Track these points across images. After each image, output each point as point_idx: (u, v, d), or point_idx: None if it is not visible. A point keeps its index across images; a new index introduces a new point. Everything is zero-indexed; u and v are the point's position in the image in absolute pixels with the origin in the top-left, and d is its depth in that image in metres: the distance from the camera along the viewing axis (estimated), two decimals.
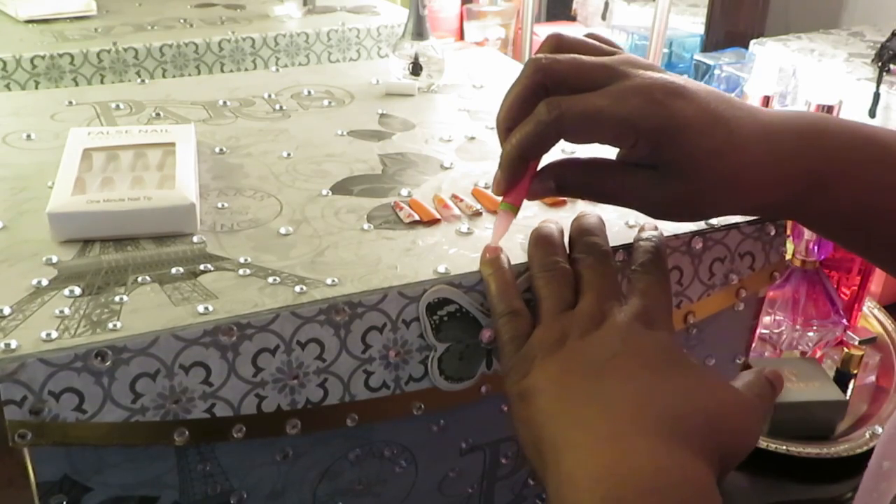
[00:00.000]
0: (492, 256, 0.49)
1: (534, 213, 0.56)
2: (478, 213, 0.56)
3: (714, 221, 0.56)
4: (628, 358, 0.43)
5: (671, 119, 0.45)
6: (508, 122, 0.47)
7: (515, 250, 0.51)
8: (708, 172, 0.46)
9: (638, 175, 0.48)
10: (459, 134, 0.69)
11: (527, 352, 0.45)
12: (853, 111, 1.13)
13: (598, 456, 0.39)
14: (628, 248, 0.52)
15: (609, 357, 0.43)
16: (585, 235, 0.50)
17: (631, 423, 0.40)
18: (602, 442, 0.39)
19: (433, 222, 0.55)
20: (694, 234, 0.55)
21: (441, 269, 0.49)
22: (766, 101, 0.97)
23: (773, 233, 0.57)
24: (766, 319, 0.87)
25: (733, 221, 0.56)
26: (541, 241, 0.50)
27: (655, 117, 0.45)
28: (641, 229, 0.52)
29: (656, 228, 0.52)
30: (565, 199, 0.58)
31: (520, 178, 0.48)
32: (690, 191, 0.47)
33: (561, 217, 0.55)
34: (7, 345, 0.41)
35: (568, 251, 0.50)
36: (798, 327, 0.86)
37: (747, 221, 0.56)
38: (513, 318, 0.47)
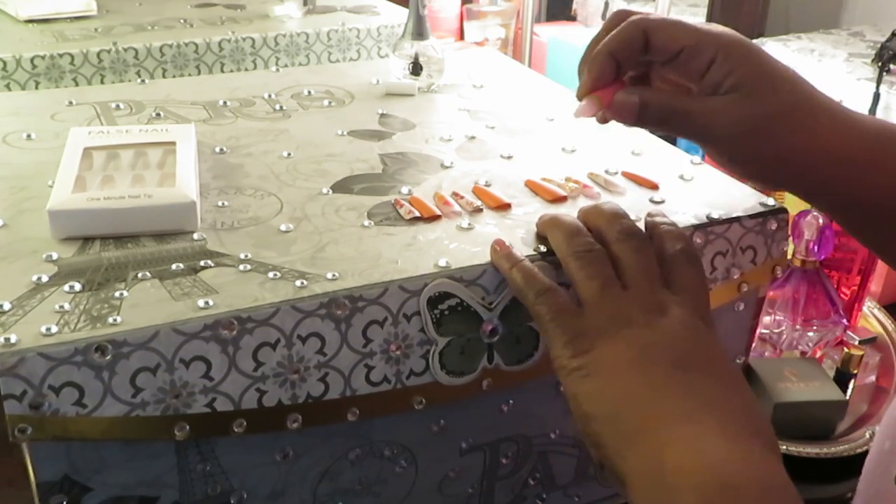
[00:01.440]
0: (504, 251, 0.49)
1: (534, 210, 0.56)
2: (478, 210, 0.56)
3: (715, 215, 0.56)
4: (705, 357, 0.44)
5: (749, 44, 0.51)
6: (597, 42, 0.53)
7: (516, 244, 0.51)
8: (784, 93, 0.50)
9: (719, 98, 0.50)
10: (459, 133, 0.69)
11: (585, 328, 0.45)
12: None
13: (712, 448, 0.40)
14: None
15: (686, 352, 0.44)
16: (620, 218, 0.50)
17: (733, 423, 0.41)
18: (712, 436, 0.40)
19: (434, 218, 0.55)
20: (695, 228, 0.55)
21: (442, 263, 0.49)
22: None
23: (774, 227, 0.57)
24: (766, 319, 0.87)
25: (735, 215, 0.56)
26: (563, 226, 0.50)
27: (734, 37, 0.51)
28: (650, 215, 0.53)
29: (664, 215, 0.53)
30: (565, 195, 0.58)
31: (603, 80, 0.51)
32: (769, 112, 0.50)
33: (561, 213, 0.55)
34: (7, 339, 0.41)
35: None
36: (798, 327, 0.86)
37: (749, 215, 0.56)
38: (551, 295, 0.47)
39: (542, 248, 0.51)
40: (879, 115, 1.13)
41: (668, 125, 0.53)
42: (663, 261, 0.49)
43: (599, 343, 0.45)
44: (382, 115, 0.73)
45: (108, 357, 0.42)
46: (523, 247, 0.51)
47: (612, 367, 0.44)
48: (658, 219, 0.52)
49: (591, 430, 0.43)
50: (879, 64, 1.16)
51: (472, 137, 0.68)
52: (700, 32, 0.50)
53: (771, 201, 0.58)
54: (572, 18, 1.49)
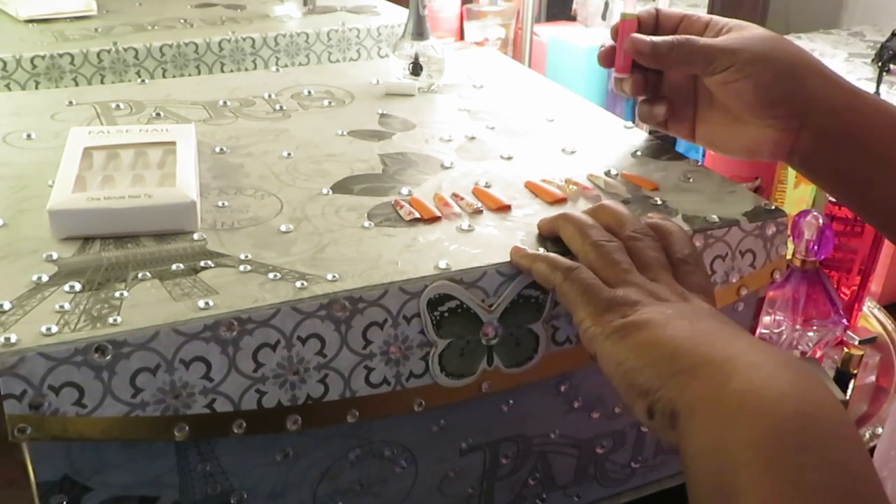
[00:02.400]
0: (523, 253, 0.50)
1: (535, 211, 0.56)
2: (478, 211, 0.56)
3: (715, 217, 0.56)
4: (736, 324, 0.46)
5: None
6: None
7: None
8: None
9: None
10: (459, 134, 0.69)
11: (620, 299, 0.45)
12: None
13: (784, 374, 0.39)
14: None
15: (723, 318, 0.45)
16: (631, 218, 0.51)
17: (789, 358, 0.41)
18: (781, 366, 0.40)
19: (434, 220, 0.55)
20: (694, 231, 0.55)
21: (442, 265, 0.49)
22: None
23: (773, 231, 0.57)
24: (766, 319, 0.87)
25: (734, 218, 0.56)
26: (575, 220, 0.51)
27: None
28: (650, 218, 0.53)
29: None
30: (565, 197, 0.58)
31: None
32: (768, 34, 0.59)
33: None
34: (7, 339, 0.41)
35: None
36: (798, 327, 0.86)
37: (748, 219, 0.56)
38: (579, 272, 0.47)
39: (542, 251, 0.51)
40: None
41: (679, 51, 0.59)
42: (671, 263, 0.50)
43: (638, 309, 0.45)
44: (382, 116, 0.73)
45: (108, 357, 0.42)
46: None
47: (658, 320, 0.44)
48: (660, 221, 0.52)
49: (640, 381, 0.42)
50: (879, 64, 1.16)
51: (472, 138, 0.68)
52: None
53: (770, 205, 0.58)
54: (572, 18, 1.49)
